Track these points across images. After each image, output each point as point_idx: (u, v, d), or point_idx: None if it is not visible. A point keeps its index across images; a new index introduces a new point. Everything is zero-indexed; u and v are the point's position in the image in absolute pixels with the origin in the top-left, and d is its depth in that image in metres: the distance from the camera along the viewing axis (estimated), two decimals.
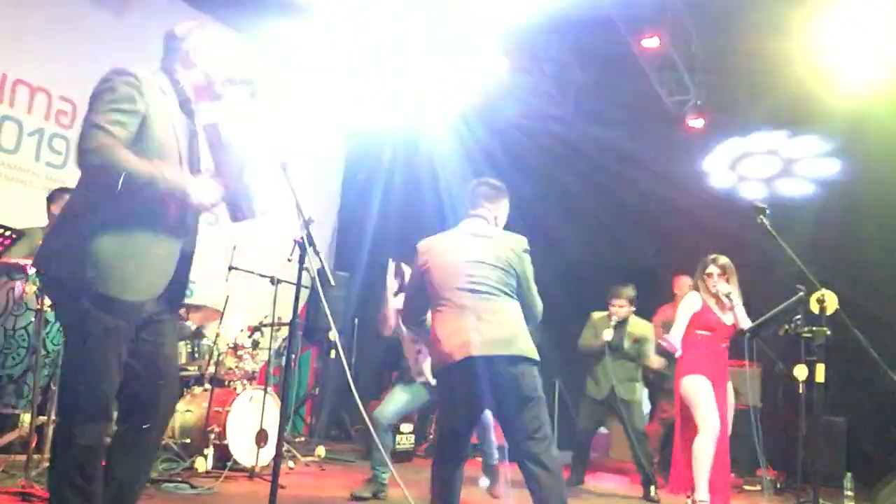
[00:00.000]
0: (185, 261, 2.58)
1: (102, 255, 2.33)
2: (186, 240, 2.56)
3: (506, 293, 3.12)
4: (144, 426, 2.52)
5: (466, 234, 3.30)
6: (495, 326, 3.02)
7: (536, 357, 3.06)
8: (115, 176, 2.28)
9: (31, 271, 4.12)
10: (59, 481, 2.37)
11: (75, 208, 2.46)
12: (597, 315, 6.03)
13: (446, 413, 3.23)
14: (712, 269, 4.68)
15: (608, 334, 5.77)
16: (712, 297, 4.67)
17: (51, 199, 4.75)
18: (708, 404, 4.48)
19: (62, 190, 4.74)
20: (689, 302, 4.74)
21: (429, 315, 3.35)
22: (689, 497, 4.58)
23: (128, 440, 2.54)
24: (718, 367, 4.60)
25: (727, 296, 4.59)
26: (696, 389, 4.53)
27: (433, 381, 4.17)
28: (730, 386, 4.74)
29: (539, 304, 3.28)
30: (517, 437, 3.00)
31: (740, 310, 4.63)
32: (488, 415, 4.47)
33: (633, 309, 5.90)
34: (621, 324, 5.83)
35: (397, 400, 4.66)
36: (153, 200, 2.40)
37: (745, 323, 4.60)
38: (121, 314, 2.38)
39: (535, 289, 3.26)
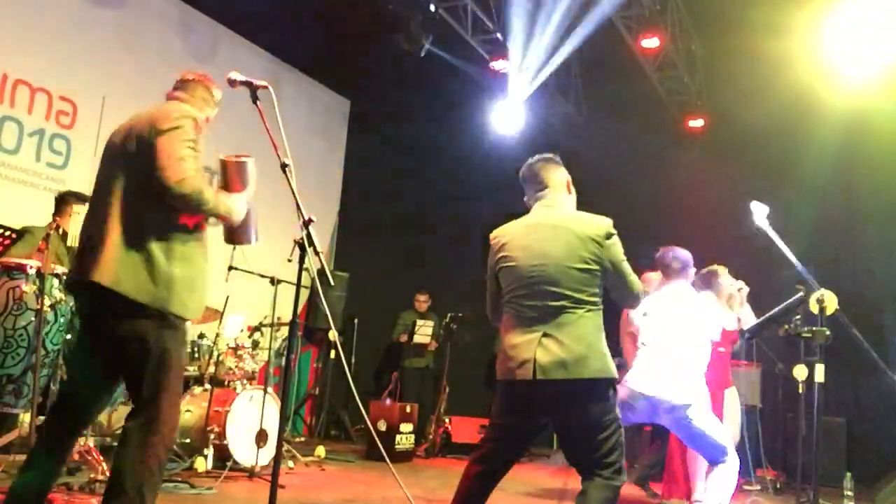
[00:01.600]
0: None
1: (175, 277, 2.58)
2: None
3: (583, 301, 2.75)
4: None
5: (542, 225, 2.87)
6: (565, 346, 2.67)
7: (611, 375, 2.71)
8: (197, 205, 2.55)
9: (31, 271, 4.12)
10: (152, 489, 2.54)
11: (146, 228, 2.59)
12: None
13: (500, 422, 2.92)
14: (723, 273, 4.70)
15: None
16: (723, 300, 4.68)
17: (63, 200, 4.71)
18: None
19: (76, 195, 4.71)
20: None
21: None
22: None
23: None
24: (718, 372, 4.61)
25: (739, 290, 4.60)
26: None
27: None
28: (734, 391, 4.73)
29: (634, 285, 2.88)
30: (584, 460, 2.72)
31: (747, 308, 4.63)
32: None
33: None
34: None
35: None
36: (203, 227, 2.72)
37: (751, 321, 4.60)
38: (182, 330, 2.68)
39: (627, 270, 2.85)
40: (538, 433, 2.96)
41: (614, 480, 2.65)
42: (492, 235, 2.99)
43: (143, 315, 2.54)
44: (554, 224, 2.86)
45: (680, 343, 3.94)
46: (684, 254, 4.19)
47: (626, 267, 2.84)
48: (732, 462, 3.86)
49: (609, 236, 2.81)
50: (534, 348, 2.68)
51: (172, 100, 2.82)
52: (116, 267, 2.52)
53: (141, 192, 2.58)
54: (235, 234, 2.87)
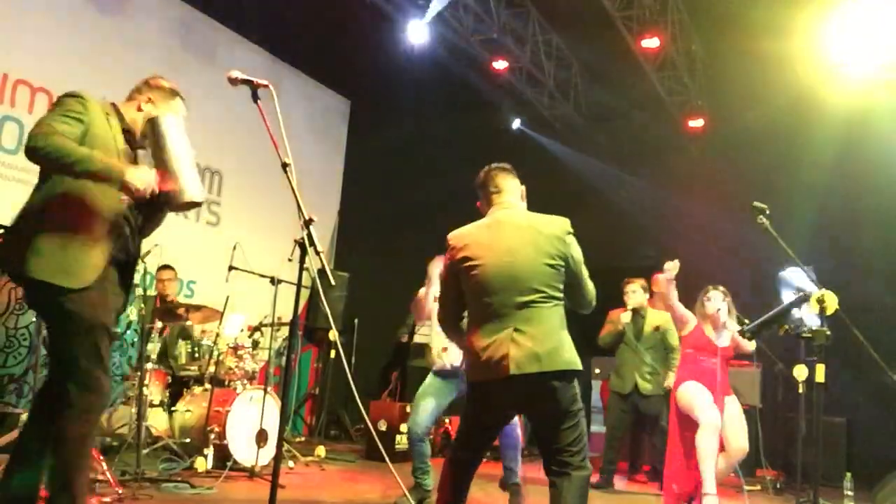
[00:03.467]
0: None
1: (45, 248, 2.60)
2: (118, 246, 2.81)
3: (549, 296, 2.82)
4: None
5: (505, 224, 2.94)
6: (536, 339, 2.75)
7: (578, 366, 2.81)
8: (53, 157, 2.59)
9: None
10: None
11: (34, 203, 2.75)
12: (615, 311, 5.94)
13: (475, 418, 2.98)
14: (713, 293, 4.71)
15: (626, 317, 5.72)
16: (708, 320, 4.69)
17: None
18: (702, 400, 4.48)
19: None
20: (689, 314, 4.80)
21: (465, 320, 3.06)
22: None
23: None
24: (712, 381, 4.60)
25: (718, 311, 4.60)
26: (689, 391, 4.56)
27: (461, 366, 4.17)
28: (733, 399, 4.72)
29: (591, 290, 2.98)
30: (552, 449, 2.81)
31: (734, 326, 4.63)
32: (517, 434, 4.42)
33: (648, 296, 5.84)
34: (637, 314, 5.79)
35: (424, 406, 4.43)
36: (88, 191, 2.70)
37: (744, 343, 4.62)
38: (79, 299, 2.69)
39: (585, 273, 2.95)
40: (508, 422, 3.16)
41: (584, 469, 2.78)
42: (450, 237, 3.03)
43: (37, 291, 2.65)
44: (517, 224, 2.94)
45: None
46: None
47: (584, 268, 2.96)
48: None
49: (569, 233, 2.92)
50: (507, 344, 2.75)
51: None
52: (18, 249, 2.64)
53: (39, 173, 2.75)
54: (169, 202, 2.83)
